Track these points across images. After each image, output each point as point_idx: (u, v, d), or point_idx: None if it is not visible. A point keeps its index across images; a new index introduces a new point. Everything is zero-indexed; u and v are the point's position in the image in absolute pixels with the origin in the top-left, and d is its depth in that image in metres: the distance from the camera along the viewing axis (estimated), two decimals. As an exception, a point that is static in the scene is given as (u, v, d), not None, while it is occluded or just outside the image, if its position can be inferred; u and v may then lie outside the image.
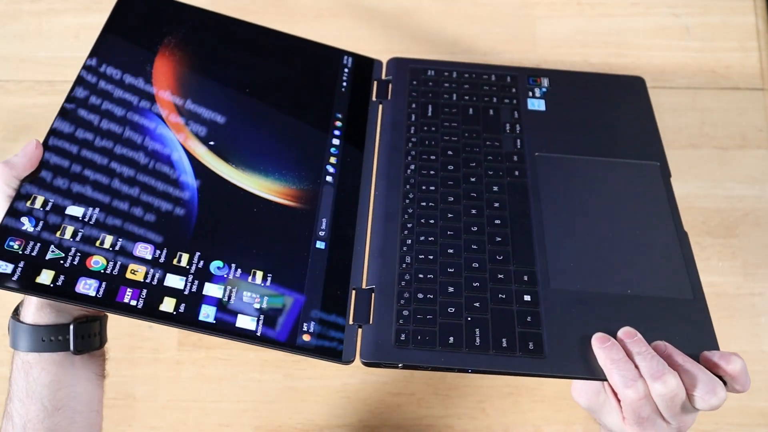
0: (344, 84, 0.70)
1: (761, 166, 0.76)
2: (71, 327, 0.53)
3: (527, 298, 0.57)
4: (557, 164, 0.65)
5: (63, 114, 0.59)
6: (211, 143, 0.63)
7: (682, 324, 0.55)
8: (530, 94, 0.70)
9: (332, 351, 0.55)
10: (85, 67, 0.61)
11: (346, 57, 0.72)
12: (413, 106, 0.68)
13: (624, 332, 0.52)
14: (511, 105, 0.69)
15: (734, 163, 0.76)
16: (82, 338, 0.53)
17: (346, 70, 0.71)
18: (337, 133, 0.67)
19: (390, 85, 0.70)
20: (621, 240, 0.60)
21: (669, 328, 0.54)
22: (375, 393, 0.71)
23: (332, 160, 0.65)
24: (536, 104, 0.69)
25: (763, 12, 0.80)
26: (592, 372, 0.52)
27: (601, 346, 0.51)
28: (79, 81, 0.61)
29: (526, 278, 0.58)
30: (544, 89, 0.70)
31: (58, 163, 0.57)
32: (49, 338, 0.52)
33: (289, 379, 0.71)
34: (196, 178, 0.60)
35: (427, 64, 0.72)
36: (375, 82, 0.71)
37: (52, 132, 0.57)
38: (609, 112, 0.69)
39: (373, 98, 0.70)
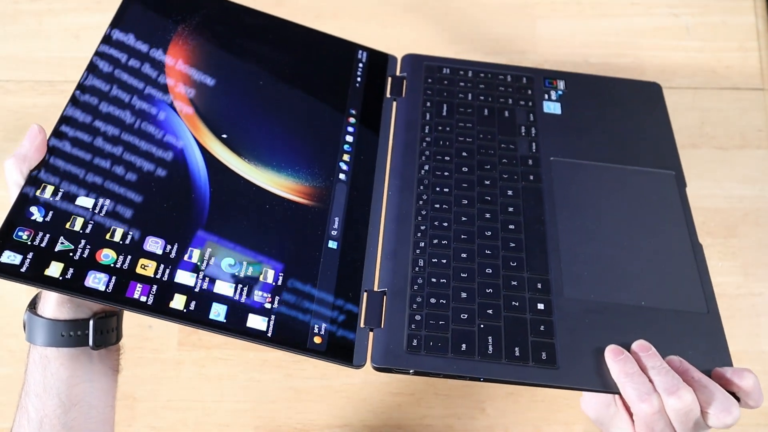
0: (358, 79, 0.69)
1: (761, 166, 0.76)
2: (91, 322, 0.52)
3: (540, 306, 0.56)
4: (573, 170, 0.64)
5: (74, 102, 0.57)
6: (224, 136, 0.61)
7: (696, 338, 0.55)
8: (546, 96, 0.69)
9: (343, 354, 0.54)
10: (98, 53, 0.60)
11: (360, 51, 0.71)
12: (428, 104, 0.68)
13: (638, 345, 0.51)
14: (527, 107, 0.68)
15: (734, 163, 0.76)
16: (101, 333, 0.53)
17: (360, 65, 0.70)
18: (350, 129, 0.66)
19: (405, 82, 0.69)
20: (635, 250, 0.60)
21: (682, 341, 0.54)
22: (375, 393, 0.71)
23: (345, 157, 0.64)
24: (552, 107, 0.69)
25: (763, 12, 0.81)
26: (605, 385, 0.51)
27: (615, 359, 0.51)
28: (91, 68, 0.59)
29: (539, 286, 0.57)
30: (560, 92, 0.70)
31: (68, 152, 0.55)
32: (68, 333, 0.51)
33: (289, 379, 0.71)
34: (208, 172, 0.59)
35: (442, 62, 0.71)
36: (389, 78, 0.70)
37: (63, 119, 0.56)
38: (625, 118, 0.68)
39: (388, 95, 0.69)
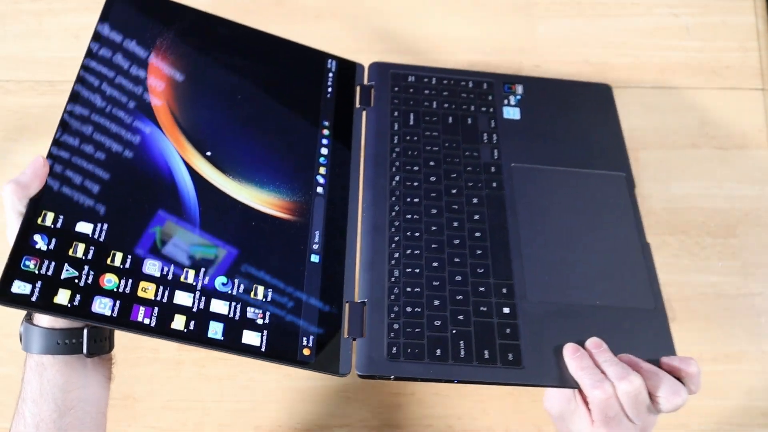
0: (329, 90, 0.70)
1: (761, 166, 0.76)
2: (85, 331, 0.54)
3: (506, 310, 0.61)
4: (532, 175, 0.68)
5: (63, 127, 0.58)
6: (209, 153, 0.62)
7: (644, 332, 0.60)
8: (506, 102, 0.72)
9: (330, 364, 0.58)
10: (79, 79, 0.60)
11: (330, 60, 0.72)
12: (395, 114, 0.70)
13: (591, 342, 0.57)
14: (488, 113, 0.71)
15: (734, 163, 0.76)
16: (95, 341, 0.55)
17: (330, 74, 0.71)
18: (324, 142, 0.68)
19: (372, 91, 0.71)
20: (590, 251, 0.64)
21: (632, 336, 0.59)
22: (375, 393, 0.71)
23: (322, 170, 0.66)
24: (511, 112, 0.71)
25: (763, 12, 0.81)
26: (566, 380, 0.56)
27: (571, 356, 0.56)
28: (73, 97, 0.60)
29: (504, 291, 0.62)
30: (518, 97, 0.72)
31: (64, 177, 0.56)
32: (64, 341, 0.53)
33: (289, 379, 0.71)
34: (196, 191, 0.60)
35: (407, 69, 0.73)
36: (358, 88, 0.72)
37: (56, 143, 0.57)
38: (579, 121, 0.72)
39: (357, 105, 0.71)
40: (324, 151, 0.67)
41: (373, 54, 0.79)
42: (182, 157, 0.61)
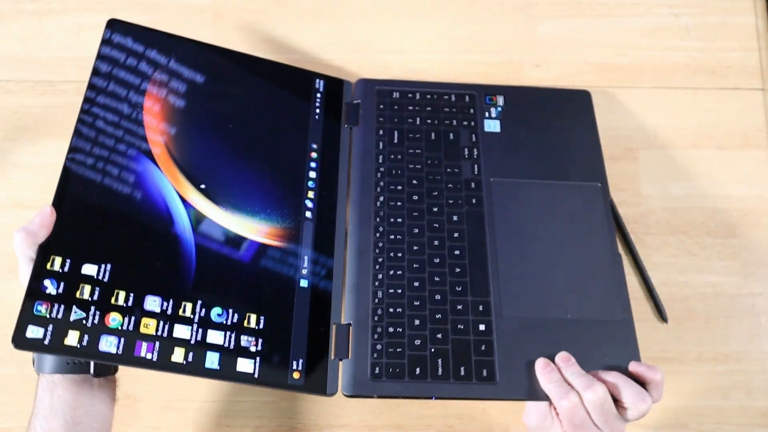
0: (317, 111, 0.72)
1: (761, 166, 0.76)
2: None
3: (482, 327, 0.63)
4: (510, 189, 0.70)
5: (66, 174, 0.60)
6: (202, 186, 0.65)
7: (612, 343, 0.63)
8: (487, 114, 0.73)
9: (318, 386, 0.61)
10: (80, 120, 0.63)
11: (317, 80, 0.74)
12: (380, 132, 0.72)
13: (560, 357, 0.60)
14: (470, 127, 0.72)
15: (734, 163, 0.76)
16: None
17: (318, 95, 0.73)
18: (313, 165, 0.69)
19: (359, 110, 0.73)
20: (564, 265, 0.66)
21: (601, 347, 0.62)
22: (375, 393, 0.71)
23: (310, 194, 0.68)
24: (492, 125, 0.73)
25: (763, 12, 0.81)
26: (536, 394, 0.60)
27: (542, 371, 0.60)
28: (76, 139, 0.62)
29: (481, 308, 0.64)
30: (499, 108, 0.74)
31: (69, 221, 0.59)
32: (73, 361, 0.58)
33: (289, 379, 0.71)
34: (192, 225, 0.63)
35: (392, 85, 0.75)
36: (345, 106, 0.73)
37: (60, 190, 0.60)
38: (557, 131, 0.73)
39: (344, 125, 0.73)
40: (312, 174, 0.69)
41: (371, 54, 0.79)
42: (178, 192, 0.63)
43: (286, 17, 0.80)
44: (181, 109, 0.67)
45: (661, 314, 0.72)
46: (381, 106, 0.73)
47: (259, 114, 0.70)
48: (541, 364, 0.60)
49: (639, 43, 0.80)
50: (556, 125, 0.73)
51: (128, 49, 0.67)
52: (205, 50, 0.71)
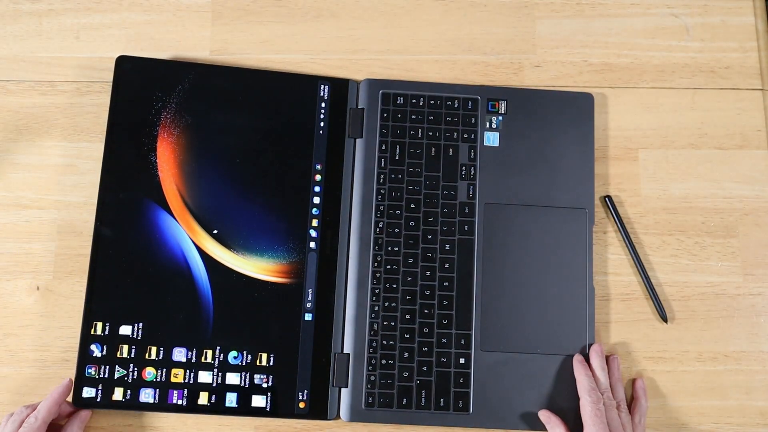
0: (322, 123, 0.73)
1: (761, 166, 0.76)
2: None
3: (462, 360, 0.68)
4: (502, 214, 0.72)
5: (96, 238, 0.67)
6: (215, 232, 0.69)
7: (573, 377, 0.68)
8: (488, 125, 0.74)
9: (320, 412, 0.67)
10: (102, 194, 0.69)
11: (322, 85, 0.74)
12: (383, 147, 0.73)
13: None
14: (470, 140, 0.74)
15: (734, 163, 0.76)
16: None
17: (323, 103, 0.73)
18: (317, 189, 0.71)
19: (363, 119, 0.74)
20: (542, 298, 0.70)
21: (564, 380, 0.68)
22: (375, 393, 0.71)
23: (314, 222, 0.71)
24: (492, 138, 0.74)
25: (762, 12, 0.80)
26: (505, 424, 0.67)
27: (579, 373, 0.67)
28: (100, 203, 0.68)
29: (463, 342, 0.68)
30: (500, 117, 0.75)
31: (102, 287, 0.67)
32: None
33: (289, 379, 0.71)
34: (207, 273, 0.68)
35: (397, 87, 0.75)
36: (349, 112, 0.74)
37: (93, 258, 0.67)
38: (553, 147, 0.74)
39: (348, 136, 0.74)
40: (316, 200, 0.71)
41: (372, 53, 0.79)
42: (194, 242, 0.68)
43: (286, 17, 0.80)
44: (190, 148, 0.69)
45: (661, 314, 0.72)
46: (384, 115, 0.74)
47: (264, 139, 0.71)
48: (578, 361, 0.68)
49: (639, 43, 0.80)
50: (553, 139, 0.74)
51: (137, 88, 0.71)
52: (209, 74, 0.73)
